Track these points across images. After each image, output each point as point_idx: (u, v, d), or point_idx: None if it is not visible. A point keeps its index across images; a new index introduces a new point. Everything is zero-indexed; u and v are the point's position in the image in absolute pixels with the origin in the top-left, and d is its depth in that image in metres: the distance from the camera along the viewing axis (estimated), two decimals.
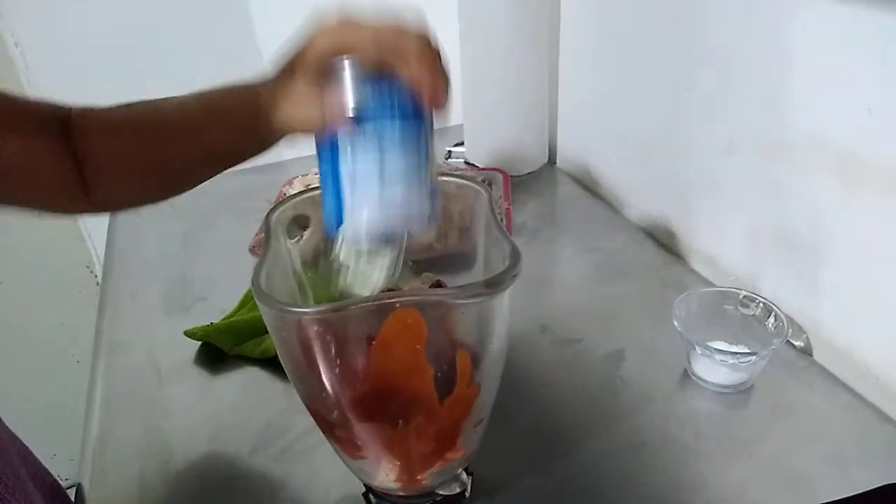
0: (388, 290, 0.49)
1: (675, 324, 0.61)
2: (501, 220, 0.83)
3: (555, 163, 1.05)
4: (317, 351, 0.36)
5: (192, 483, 0.56)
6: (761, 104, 0.65)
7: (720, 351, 0.58)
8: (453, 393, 0.40)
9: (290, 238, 0.47)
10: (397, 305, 0.36)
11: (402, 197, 0.39)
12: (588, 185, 0.97)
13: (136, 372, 0.68)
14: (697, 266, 0.77)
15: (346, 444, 0.42)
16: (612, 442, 0.56)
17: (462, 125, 1.03)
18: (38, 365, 1.50)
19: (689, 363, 0.62)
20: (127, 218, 0.96)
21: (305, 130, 0.42)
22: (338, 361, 0.37)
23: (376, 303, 0.35)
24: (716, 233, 0.75)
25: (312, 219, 0.48)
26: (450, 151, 1.06)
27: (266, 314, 0.37)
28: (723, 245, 0.74)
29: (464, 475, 0.48)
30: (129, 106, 0.50)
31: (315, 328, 0.36)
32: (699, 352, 0.59)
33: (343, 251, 0.42)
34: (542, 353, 0.66)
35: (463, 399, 0.40)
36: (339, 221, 0.41)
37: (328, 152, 0.41)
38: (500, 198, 0.89)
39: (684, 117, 0.76)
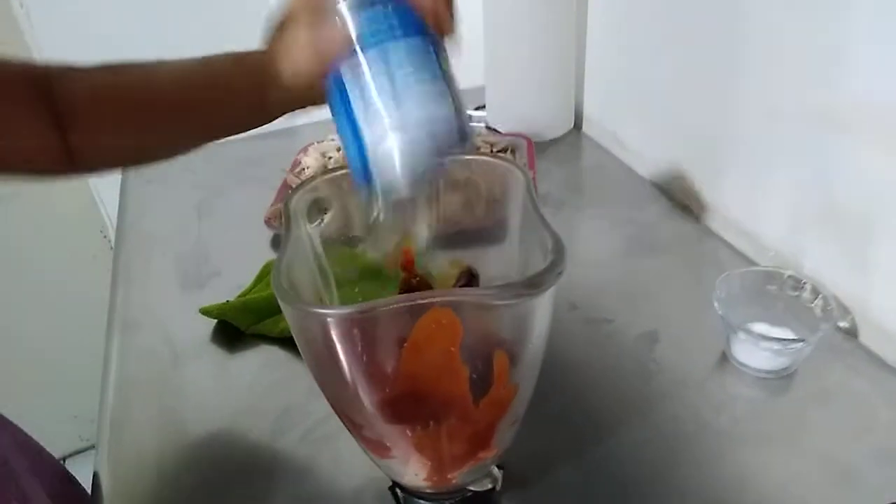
0: (417, 280, 0.46)
1: (716, 305, 0.57)
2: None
3: (581, 128, 1.00)
4: (343, 353, 0.34)
5: (209, 469, 0.54)
6: (811, 66, 0.60)
7: (766, 337, 0.55)
8: (489, 394, 0.37)
9: (311, 222, 0.44)
10: (431, 306, 0.32)
11: (425, 114, 0.36)
12: (616, 153, 0.93)
13: (150, 352, 0.66)
14: (734, 240, 0.73)
15: (373, 444, 0.40)
16: (646, 431, 0.53)
17: (483, 87, 0.98)
18: (55, 328, 1.49)
19: (729, 347, 0.59)
20: (138, 186, 0.93)
21: (312, 77, 0.39)
22: (366, 364, 0.34)
23: (408, 303, 0.32)
24: (755, 205, 0.71)
25: (333, 201, 0.45)
26: (470, 115, 1.02)
27: (289, 314, 0.34)
28: (763, 219, 0.70)
29: (495, 470, 0.46)
30: (116, 71, 0.45)
31: (342, 330, 0.33)
32: (741, 337, 0.56)
33: (378, 195, 0.39)
34: (571, 333, 0.64)
35: (499, 400, 0.38)
36: (367, 172, 0.37)
37: (338, 96, 0.38)
38: (525, 164, 0.85)
39: (723, 80, 0.71)
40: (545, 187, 0.85)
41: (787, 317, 0.59)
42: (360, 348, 0.33)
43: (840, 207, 0.61)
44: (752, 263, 0.69)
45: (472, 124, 0.39)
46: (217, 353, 0.65)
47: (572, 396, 0.57)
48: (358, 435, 0.40)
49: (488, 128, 0.99)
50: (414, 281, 0.47)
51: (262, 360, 0.64)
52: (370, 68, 0.36)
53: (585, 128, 0.99)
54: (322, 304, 0.33)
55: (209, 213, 0.86)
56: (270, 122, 0.45)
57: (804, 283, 0.58)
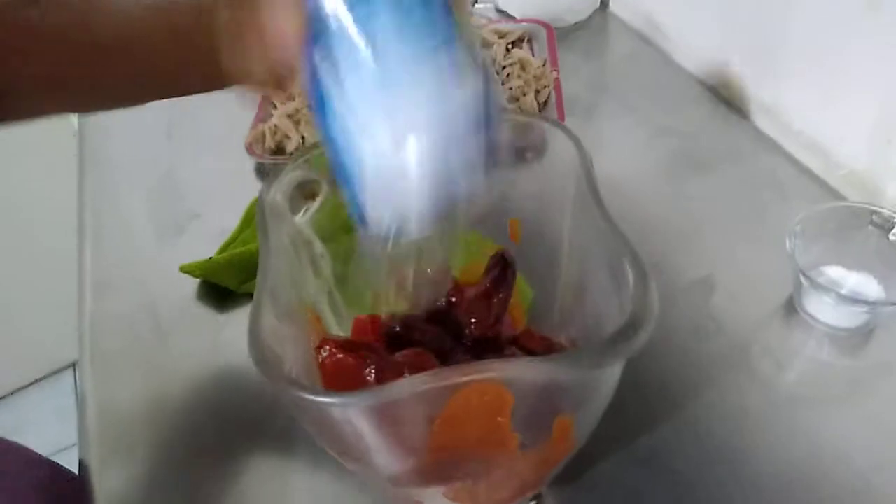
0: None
1: (788, 249, 0.48)
2: (550, 93, 0.67)
3: (607, 6, 0.85)
4: (355, 439, 0.25)
5: (202, 452, 0.47)
6: None
7: (855, 300, 0.46)
8: (542, 450, 0.29)
9: (295, 213, 0.34)
10: (471, 383, 0.23)
11: (430, 113, 0.25)
12: (652, 40, 0.78)
13: (128, 319, 0.57)
14: (800, 154, 0.62)
15: (400, 495, 0.33)
16: (705, 408, 0.46)
17: None
18: (25, 244, 1.40)
19: (800, 299, 0.50)
20: None
21: (266, 84, 0.28)
22: (387, 444, 0.26)
23: (440, 383, 0.23)
24: (831, 113, 0.59)
25: (320, 181, 0.35)
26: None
27: (283, 397, 0.25)
28: (838, 130, 0.59)
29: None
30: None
31: (352, 420, 0.24)
32: (822, 295, 0.47)
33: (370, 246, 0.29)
34: None
35: (554, 455, 0.30)
36: (357, 205, 0.28)
37: (314, 90, 0.27)
38: (545, 62, 0.72)
39: None
40: (570, 88, 0.72)
41: (872, 260, 0.49)
42: (379, 433, 0.25)
43: None
44: (821, 184, 0.59)
45: (500, 104, 0.27)
46: (205, 317, 0.57)
47: None
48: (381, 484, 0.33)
49: (499, 11, 0.84)
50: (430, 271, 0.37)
51: None
52: (349, 52, 0.24)
53: (614, 7, 0.84)
54: (324, 391, 0.24)
55: (181, 137, 0.74)
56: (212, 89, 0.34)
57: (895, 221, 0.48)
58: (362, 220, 0.28)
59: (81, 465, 0.49)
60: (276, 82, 0.28)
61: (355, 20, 0.24)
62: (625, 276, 0.25)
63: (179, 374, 0.53)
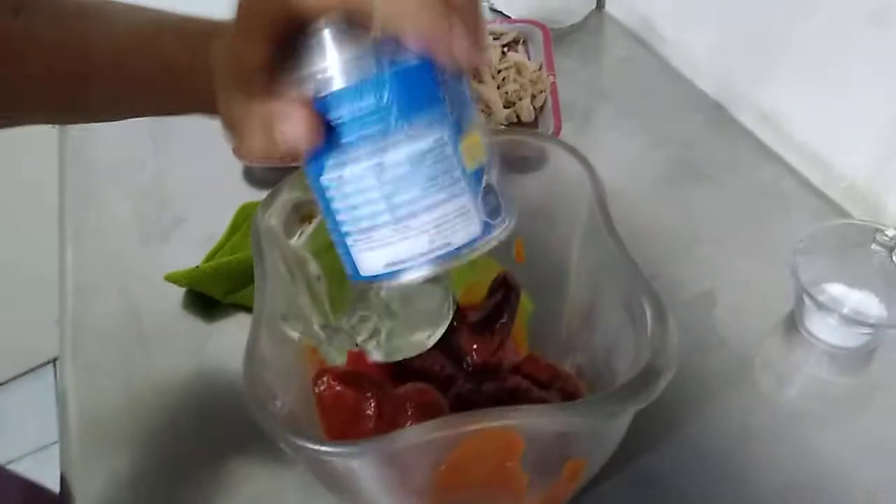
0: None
1: (791, 267, 0.47)
2: (546, 97, 0.66)
3: (603, 7, 0.83)
4: (355, 483, 0.24)
5: (184, 457, 0.46)
6: None
7: (857, 321, 0.45)
8: (551, 490, 0.28)
9: (290, 237, 0.32)
10: (480, 431, 0.22)
11: (436, 240, 0.26)
12: (648, 42, 0.77)
13: (110, 324, 0.55)
14: (801, 166, 0.61)
15: None
16: (708, 427, 0.45)
17: None
18: (5, 240, 1.36)
19: (802, 317, 0.49)
20: None
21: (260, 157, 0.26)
22: (388, 491, 0.25)
23: (450, 432, 0.22)
24: (832, 125, 0.58)
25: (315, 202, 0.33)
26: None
27: (281, 445, 0.23)
28: (840, 142, 0.58)
29: None
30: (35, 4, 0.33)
31: (354, 468, 0.22)
32: (824, 315, 0.46)
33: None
34: None
35: (562, 493, 0.28)
36: (355, 275, 0.28)
37: (317, 188, 0.27)
38: (541, 66, 0.70)
39: None
40: (567, 93, 0.70)
41: (874, 278, 0.49)
42: (382, 479, 0.24)
43: None
44: (822, 197, 0.58)
45: (506, 218, 0.28)
46: (189, 325, 0.55)
47: None
48: None
49: (493, 10, 0.82)
50: None
51: (244, 332, 0.54)
52: (354, 179, 0.25)
53: (609, 8, 0.83)
54: (322, 440, 0.22)
55: (165, 139, 0.72)
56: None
57: None
58: (352, 265, 0.27)
59: (62, 478, 0.47)
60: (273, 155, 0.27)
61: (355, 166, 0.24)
62: (642, 313, 0.24)
63: (162, 379, 0.51)
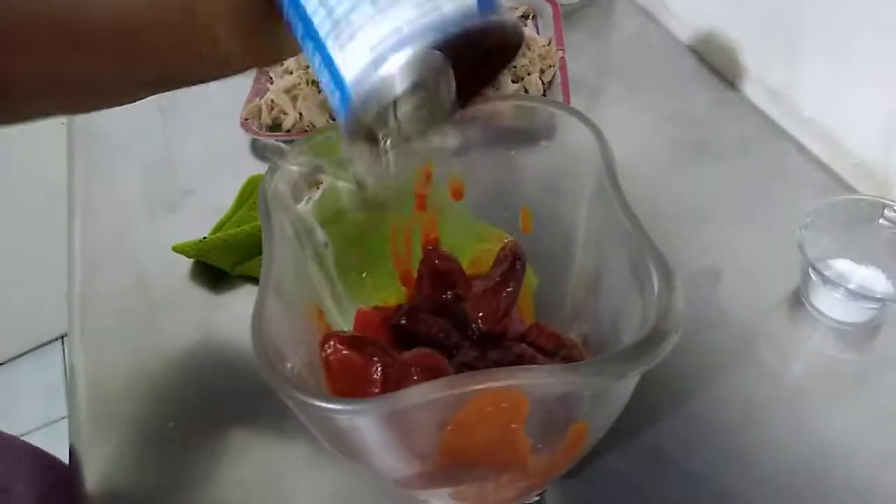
0: (438, 261, 0.35)
1: (798, 242, 0.47)
2: (555, 73, 0.65)
3: None
4: (362, 444, 0.24)
5: (192, 431, 0.46)
6: None
7: (864, 295, 0.45)
8: (554, 455, 0.28)
9: (298, 202, 0.32)
10: (487, 391, 0.22)
11: (418, 21, 0.23)
12: (659, 18, 0.77)
13: (119, 296, 0.56)
14: (809, 142, 0.61)
15: (403, 489, 0.32)
16: (713, 402, 0.45)
17: None
18: (14, 217, 1.37)
19: (807, 292, 0.49)
20: None
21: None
22: (397, 449, 0.25)
23: (455, 391, 0.22)
24: (842, 101, 0.58)
25: (324, 164, 0.33)
26: None
27: (287, 400, 0.24)
28: (850, 119, 0.57)
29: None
30: None
31: (360, 427, 0.23)
32: (830, 290, 0.46)
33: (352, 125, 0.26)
34: None
35: (566, 458, 0.29)
36: (352, 111, 0.25)
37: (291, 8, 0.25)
38: (550, 41, 0.70)
39: None
40: (576, 68, 0.70)
41: (882, 254, 0.48)
42: (389, 439, 0.24)
43: None
44: (830, 173, 0.58)
45: (502, 13, 0.24)
46: (198, 297, 0.56)
47: None
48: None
49: None
50: (436, 262, 0.36)
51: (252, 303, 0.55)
52: None
53: None
54: (330, 397, 0.22)
55: (174, 111, 0.72)
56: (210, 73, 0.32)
57: None
58: (341, 90, 0.25)
59: (71, 449, 0.48)
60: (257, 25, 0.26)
61: None
62: (649, 276, 0.24)
63: (170, 352, 0.52)
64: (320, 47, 0.24)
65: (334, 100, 0.25)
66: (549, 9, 0.73)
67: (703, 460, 0.42)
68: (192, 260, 0.57)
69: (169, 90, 0.34)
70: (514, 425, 0.25)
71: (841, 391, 0.45)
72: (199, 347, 0.53)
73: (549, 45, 0.69)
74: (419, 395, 0.22)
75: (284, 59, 0.28)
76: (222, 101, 0.69)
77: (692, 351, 0.48)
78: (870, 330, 0.48)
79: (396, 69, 0.22)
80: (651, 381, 0.45)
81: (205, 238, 0.56)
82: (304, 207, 0.33)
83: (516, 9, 0.74)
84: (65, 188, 0.67)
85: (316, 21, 0.24)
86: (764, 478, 0.41)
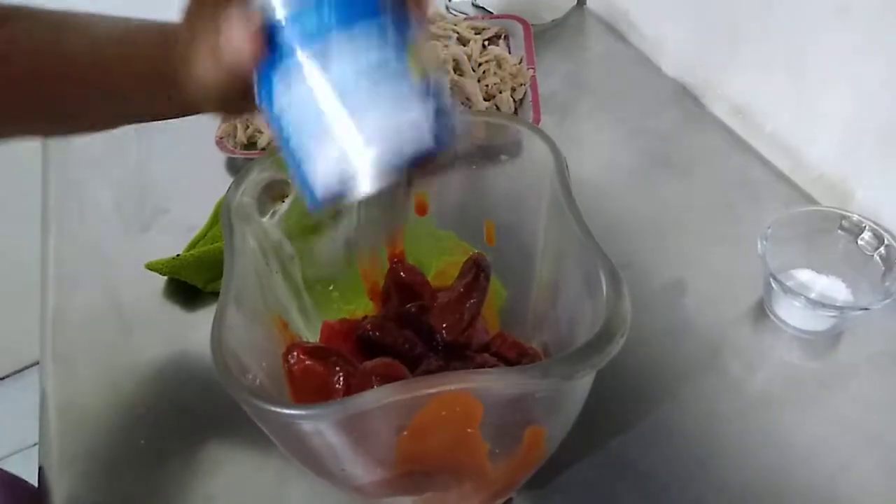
0: (405, 274, 0.36)
1: (759, 252, 0.48)
2: (526, 90, 0.67)
3: (584, 3, 0.84)
4: (322, 451, 0.24)
5: (166, 453, 0.46)
6: None
7: (823, 304, 0.46)
8: (514, 459, 0.29)
9: (263, 215, 0.33)
10: (441, 394, 0.23)
11: (383, 126, 0.26)
12: (629, 38, 0.79)
13: (92, 316, 0.56)
14: (772, 156, 0.62)
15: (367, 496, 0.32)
16: (679, 411, 0.46)
17: None
18: None
19: (770, 302, 0.51)
20: None
21: (223, 94, 0.28)
22: (353, 457, 0.25)
23: (408, 395, 0.22)
24: (803, 115, 0.59)
25: (289, 181, 0.34)
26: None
27: (246, 408, 0.24)
28: (810, 132, 0.59)
29: None
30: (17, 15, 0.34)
31: (319, 432, 0.23)
32: (791, 299, 0.47)
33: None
34: None
35: (525, 463, 0.29)
36: (313, 196, 0.28)
37: (266, 101, 0.27)
38: (521, 60, 0.71)
39: None
40: (547, 86, 0.72)
41: (841, 264, 0.50)
42: (347, 445, 0.24)
43: None
44: (792, 186, 0.60)
45: (457, 121, 0.28)
46: (171, 315, 0.56)
47: None
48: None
49: (475, 6, 0.83)
50: (402, 274, 0.36)
51: None
52: (301, 76, 0.25)
53: (591, 4, 0.84)
54: (288, 403, 0.23)
55: (149, 130, 0.72)
56: (180, 113, 0.33)
57: (864, 226, 0.49)
58: (310, 190, 0.28)
59: (41, 470, 0.47)
60: (230, 98, 0.28)
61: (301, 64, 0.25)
62: (598, 282, 0.25)
63: (144, 373, 0.52)
64: (295, 163, 0.27)
65: (304, 197, 0.28)
66: (520, 29, 0.75)
67: (669, 468, 0.43)
68: (165, 277, 0.57)
69: (141, 122, 0.35)
70: (469, 430, 0.25)
71: (804, 398, 0.46)
72: (171, 364, 0.53)
73: (520, 63, 0.70)
74: (373, 399, 0.22)
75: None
76: (197, 120, 0.69)
77: (659, 361, 0.49)
78: (831, 338, 0.49)
79: (361, 182, 0.26)
80: (618, 391, 0.46)
81: (178, 255, 0.56)
82: (270, 221, 0.33)
83: (488, 29, 0.75)
84: (38, 207, 0.67)
85: (293, 143, 0.27)
86: (728, 484, 0.42)
